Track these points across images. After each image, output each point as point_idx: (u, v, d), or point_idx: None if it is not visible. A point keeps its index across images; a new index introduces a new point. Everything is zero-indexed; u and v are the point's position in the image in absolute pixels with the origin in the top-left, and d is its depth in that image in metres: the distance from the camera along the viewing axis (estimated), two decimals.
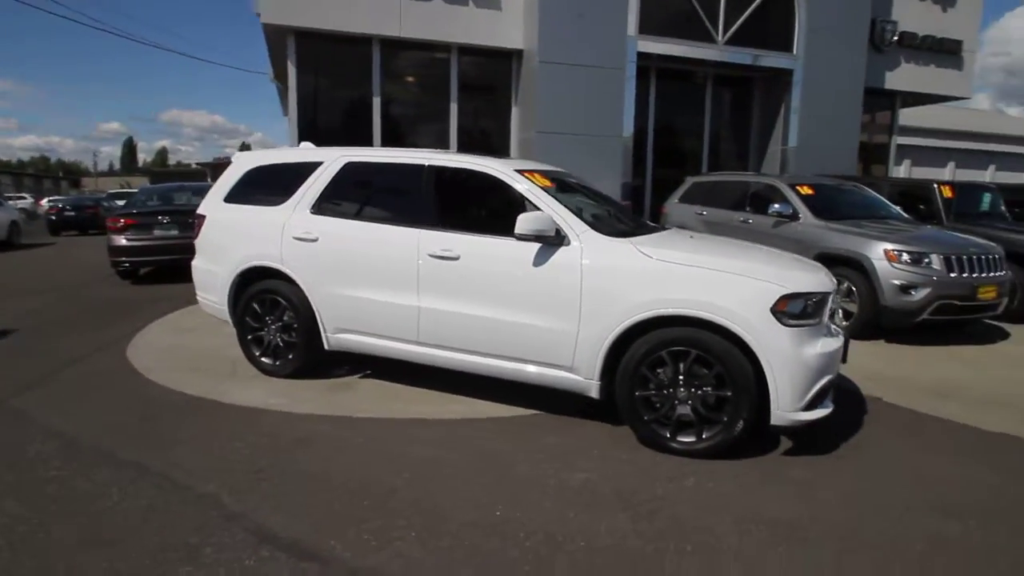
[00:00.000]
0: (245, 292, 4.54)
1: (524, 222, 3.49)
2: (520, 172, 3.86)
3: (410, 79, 10.46)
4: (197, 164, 47.96)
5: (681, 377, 3.32)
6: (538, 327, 3.60)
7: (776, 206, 6.98)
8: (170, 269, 8.82)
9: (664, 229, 4.42)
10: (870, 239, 6.06)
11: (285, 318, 4.42)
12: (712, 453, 3.30)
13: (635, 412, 3.42)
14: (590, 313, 3.46)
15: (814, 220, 6.72)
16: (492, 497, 2.86)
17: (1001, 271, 6.04)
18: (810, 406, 3.24)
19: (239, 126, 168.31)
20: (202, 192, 9.84)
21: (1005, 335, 6.38)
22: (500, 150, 10.62)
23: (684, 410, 3.34)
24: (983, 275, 5.86)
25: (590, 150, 9.76)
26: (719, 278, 3.29)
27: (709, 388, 3.28)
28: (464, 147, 10.26)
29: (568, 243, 3.56)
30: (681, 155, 11.93)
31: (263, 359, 4.56)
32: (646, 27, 10.17)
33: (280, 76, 12.09)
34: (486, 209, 4.27)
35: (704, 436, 3.31)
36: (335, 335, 4.28)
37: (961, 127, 23.40)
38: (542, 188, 3.78)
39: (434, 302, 3.86)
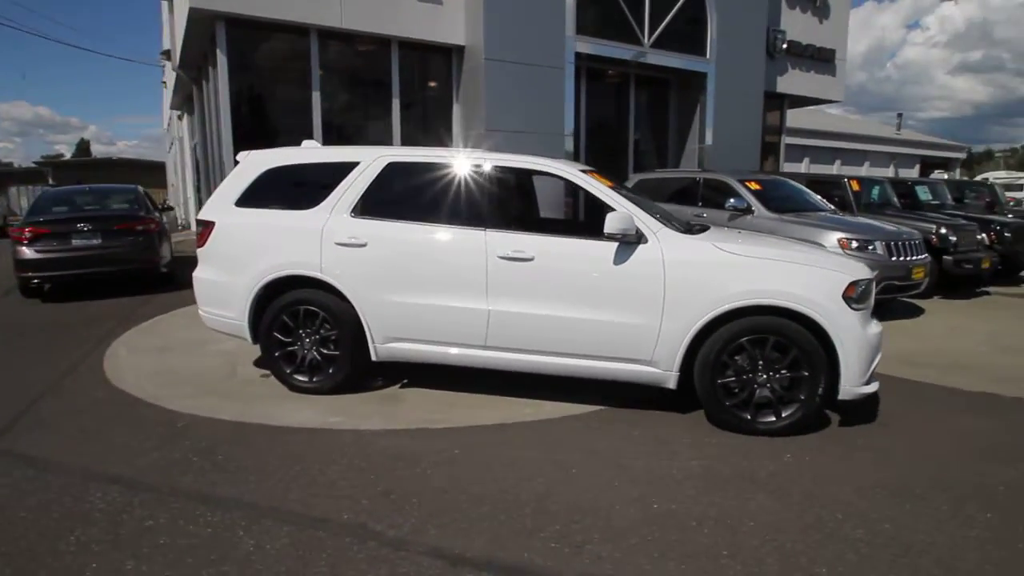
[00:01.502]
0: (271, 305, 4.18)
1: (612, 222, 3.56)
2: (584, 172, 3.92)
3: (350, 74, 9.98)
4: (33, 163, 41.79)
5: (760, 362, 3.58)
6: (619, 323, 3.69)
7: (732, 200, 7.56)
8: (90, 284, 7.80)
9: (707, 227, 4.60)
10: (823, 229, 6.78)
11: (323, 330, 4.13)
12: (790, 430, 3.59)
13: (716, 398, 3.63)
14: (674, 307, 3.61)
15: (767, 213, 7.38)
16: (636, 491, 2.93)
17: (924, 254, 7.02)
18: (869, 381, 3.63)
19: (70, 119, 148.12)
20: (125, 196, 8.81)
21: (921, 310, 7.41)
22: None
23: (764, 393, 3.60)
24: (914, 258, 6.79)
25: (536, 148, 9.86)
26: (795, 269, 3.58)
27: (785, 371, 3.56)
28: (408, 145, 9.99)
29: (646, 241, 3.68)
30: (610, 153, 12.45)
31: (297, 376, 4.22)
32: (581, 28, 10.51)
33: (190, 66, 11.00)
34: (552, 209, 4.26)
35: (783, 415, 3.59)
36: (385, 345, 4.08)
37: (813, 127, 26.56)
38: (610, 188, 3.87)
39: (506, 304, 3.82)
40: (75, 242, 7.38)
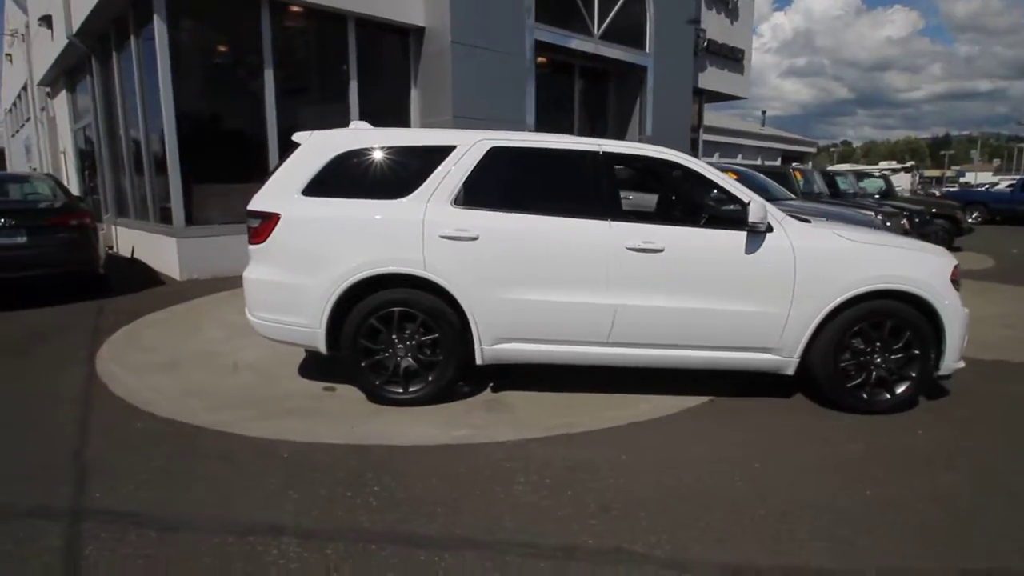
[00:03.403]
0: (356, 308, 3.67)
1: (755, 212, 3.51)
2: (703, 162, 3.83)
3: (305, 51, 9.05)
4: None
5: (878, 344, 3.73)
6: (749, 312, 3.67)
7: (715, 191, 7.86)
8: (8, 289, 6.44)
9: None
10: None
11: (419, 334, 3.70)
12: (902, 407, 3.79)
13: (839, 381, 3.74)
14: (803, 294, 3.65)
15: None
16: (837, 479, 2.93)
17: None
18: (960, 357, 3.92)
19: None
20: (41, 185, 7.34)
21: None
22: None
23: (880, 373, 3.76)
24: None
25: None
26: (911, 255, 3.76)
27: (899, 351, 3.74)
28: None
29: (771, 230, 3.68)
30: None
31: (389, 388, 3.75)
32: (538, 16, 10.36)
33: (88, 34, 9.38)
34: (674, 197, 4.12)
35: (897, 392, 3.78)
36: (493, 346, 3.74)
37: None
38: (735, 178, 3.81)
39: (634, 298, 3.65)
40: None
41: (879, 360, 3.75)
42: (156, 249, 8.44)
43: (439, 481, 2.88)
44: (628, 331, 3.70)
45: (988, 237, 14.27)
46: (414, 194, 3.68)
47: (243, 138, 8.40)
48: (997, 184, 28.76)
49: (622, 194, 7.54)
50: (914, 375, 3.76)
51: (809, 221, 3.96)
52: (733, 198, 3.71)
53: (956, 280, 3.77)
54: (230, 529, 2.47)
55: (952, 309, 3.71)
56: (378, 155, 3.82)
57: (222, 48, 8.34)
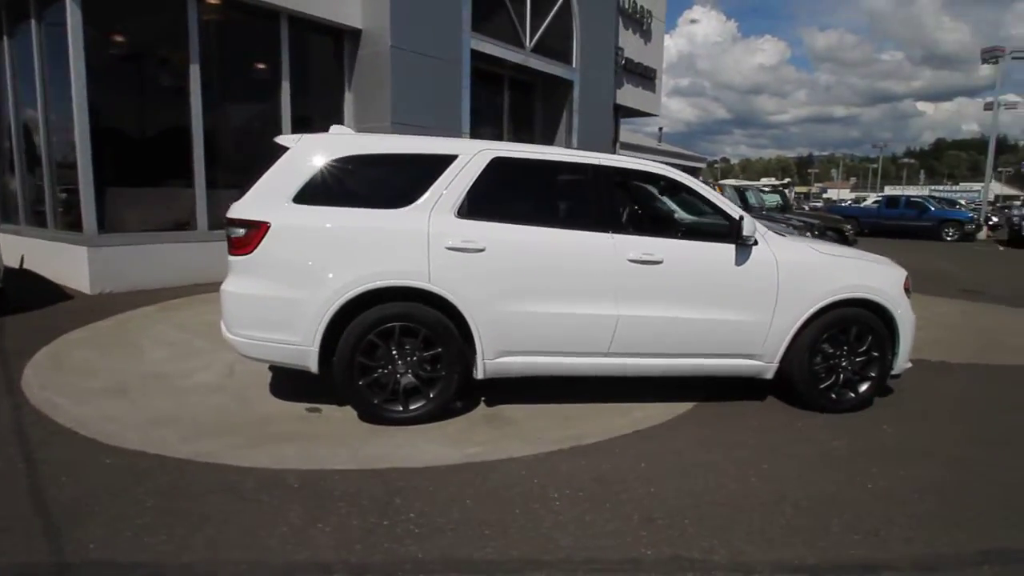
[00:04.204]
0: (352, 324, 3.47)
1: (748, 227, 3.72)
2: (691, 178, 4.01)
3: (236, 47, 8.43)
4: None
5: (845, 348, 4.07)
6: (738, 321, 3.88)
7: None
8: None
9: None
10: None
11: (420, 350, 3.57)
12: (863, 405, 4.14)
13: (813, 383, 4.03)
14: (784, 303, 3.90)
15: None
16: (841, 475, 3.16)
17: None
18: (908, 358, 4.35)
19: None
20: None
21: None
22: None
23: (847, 374, 4.10)
24: None
25: None
26: (871, 267, 4.14)
27: (862, 354, 4.09)
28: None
29: (756, 243, 3.91)
30: None
31: (388, 407, 3.58)
32: (475, 26, 10.37)
33: None
34: (665, 211, 4.22)
35: (860, 392, 4.13)
36: (495, 360, 3.68)
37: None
38: (720, 193, 4.01)
39: (635, 309, 3.73)
40: None
41: (845, 363, 4.08)
42: (56, 259, 7.51)
43: (473, 502, 2.78)
44: (628, 341, 3.78)
45: (864, 248, 15.95)
46: (416, 204, 3.55)
47: (165, 138, 7.69)
48: (865, 201, 32.25)
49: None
50: (874, 375, 4.13)
51: (784, 235, 4.25)
52: (723, 213, 3.90)
53: (908, 289, 4.19)
54: (272, 572, 2.24)
55: (905, 315, 4.12)
56: (374, 162, 3.66)
57: (144, 39, 7.60)
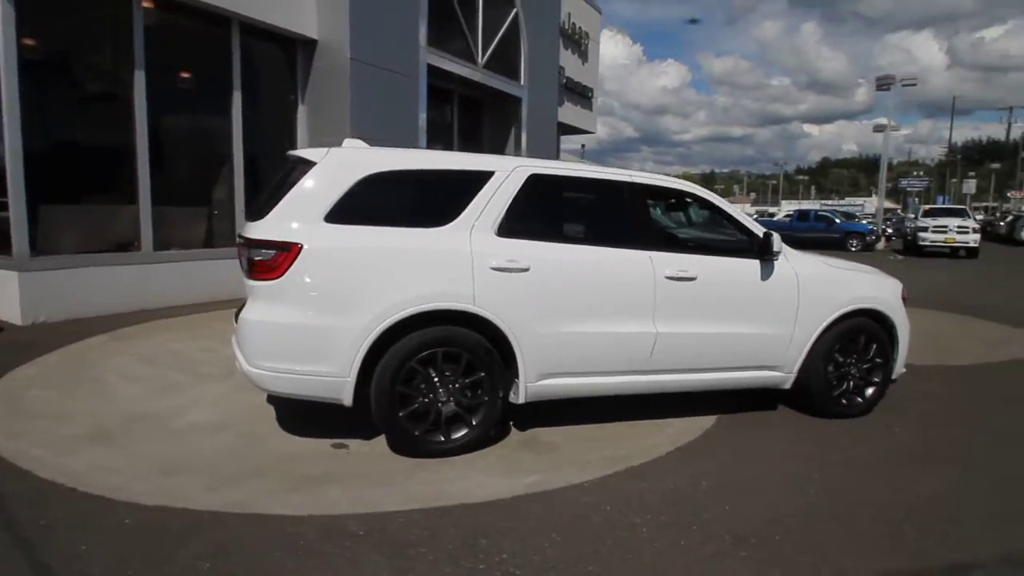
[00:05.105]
0: (391, 351, 3.25)
1: (776, 243, 3.82)
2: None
3: (184, 55, 7.81)
4: None
5: (855, 356, 4.27)
6: (764, 334, 3.98)
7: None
8: None
9: None
10: None
11: (462, 375, 3.40)
12: (870, 410, 4.35)
13: (828, 390, 4.19)
14: (804, 315, 4.05)
15: None
16: (869, 481, 3.28)
17: None
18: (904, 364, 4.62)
19: None
20: None
21: None
22: None
23: (855, 381, 4.29)
24: None
25: None
26: (876, 279, 4.38)
27: (868, 360, 4.30)
28: (251, 150, 8.33)
29: (778, 258, 4.03)
30: None
31: (429, 438, 3.37)
32: (430, 41, 10.23)
33: None
34: (696, 227, 4.24)
35: (867, 396, 4.33)
36: (537, 383, 3.56)
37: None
38: (741, 210, 4.10)
39: (672, 325, 3.74)
40: None
41: (854, 370, 4.28)
42: None
43: (560, 536, 2.65)
44: (664, 358, 3.78)
45: None
46: (455, 222, 3.39)
47: (107, 150, 6.98)
48: (776, 215, 34.53)
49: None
50: (877, 380, 4.36)
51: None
52: (747, 231, 4.00)
53: (905, 299, 4.47)
54: None
55: (903, 324, 4.38)
56: (408, 178, 3.46)
57: (84, 43, 6.89)
